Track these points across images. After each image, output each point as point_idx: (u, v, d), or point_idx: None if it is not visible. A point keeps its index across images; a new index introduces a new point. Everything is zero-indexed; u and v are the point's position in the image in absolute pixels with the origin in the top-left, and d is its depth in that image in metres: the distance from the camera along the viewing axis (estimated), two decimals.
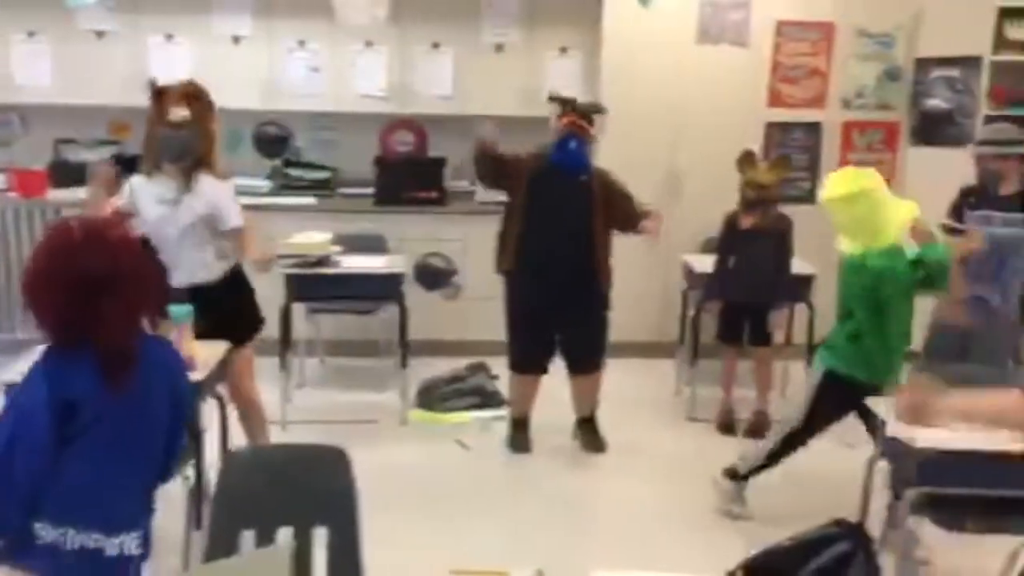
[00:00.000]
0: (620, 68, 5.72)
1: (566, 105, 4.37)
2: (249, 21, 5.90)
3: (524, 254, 4.37)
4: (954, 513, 2.98)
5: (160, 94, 3.61)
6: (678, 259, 5.49)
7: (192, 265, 3.64)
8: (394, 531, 3.70)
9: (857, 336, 3.61)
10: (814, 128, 5.86)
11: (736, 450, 4.62)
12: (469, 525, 3.82)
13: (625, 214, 4.40)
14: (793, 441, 3.84)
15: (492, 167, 4.36)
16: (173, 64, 5.84)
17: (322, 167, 6.15)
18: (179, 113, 3.56)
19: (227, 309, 3.64)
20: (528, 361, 4.53)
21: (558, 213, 4.31)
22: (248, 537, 2.36)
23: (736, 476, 3.96)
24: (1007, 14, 5.51)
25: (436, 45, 5.99)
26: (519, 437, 4.62)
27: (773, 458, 3.90)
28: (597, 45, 5.82)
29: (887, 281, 3.52)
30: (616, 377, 4.80)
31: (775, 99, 5.82)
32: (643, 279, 5.71)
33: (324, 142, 6.27)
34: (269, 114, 6.10)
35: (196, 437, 3.11)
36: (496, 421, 4.86)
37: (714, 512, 3.99)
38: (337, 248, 4.94)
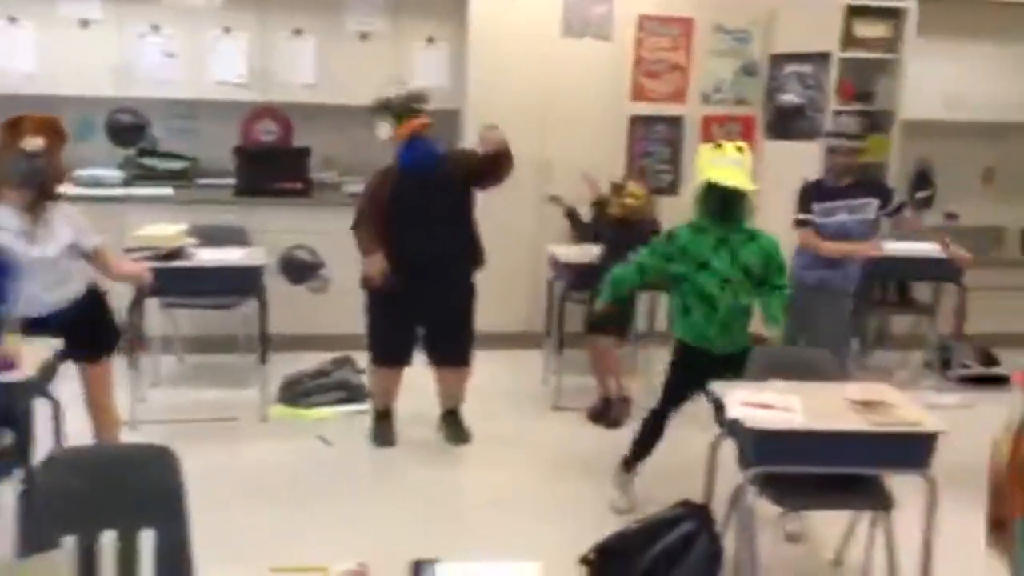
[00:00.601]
0: (487, 59, 5.72)
1: (389, 108, 4.28)
2: (98, 4, 5.62)
3: (389, 250, 4.31)
4: (793, 491, 3.09)
5: (15, 123, 3.49)
6: (545, 250, 5.53)
7: (60, 293, 3.57)
8: (250, 529, 3.61)
9: (686, 309, 3.76)
10: (676, 122, 5.99)
11: (602, 439, 4.70)
12: (328, 521, 3.74)
13: (480, 165, 4.32)
14: (654, 418, 3.93)
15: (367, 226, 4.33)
16: (15, 49, 5.53)
17: (179, 157, 5.93)
18: (34, 143, 3.46)
19: (83, 326, 3.60)
20: (390, 353, 4.47)
21: (422, 213, 4.27)
22: (69, 542, 2.24)
23: (625, 466, 4.02)
24: (855, 12, 5.76)
25: (298, 32, 5.85)
26: (382, 431, 4.57)
27: (641, 444, 3.97)
28: (464, 36, 5.80)
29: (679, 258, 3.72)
30: (484, 368, 4.80)
31: (638, 93, 5.93)
32: (510, 270, 5.73)
33: (182, 131, 6.04)
34: (122, 101, 5.82)
35: (23, 439, 2.94)
36: (361, 415, 4.78)
37: (575, 500, 4.04)
38: (193, 240, 4.77)
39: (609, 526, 3.45)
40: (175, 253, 4.61)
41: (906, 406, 3.15)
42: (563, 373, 5.15)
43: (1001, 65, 6.37)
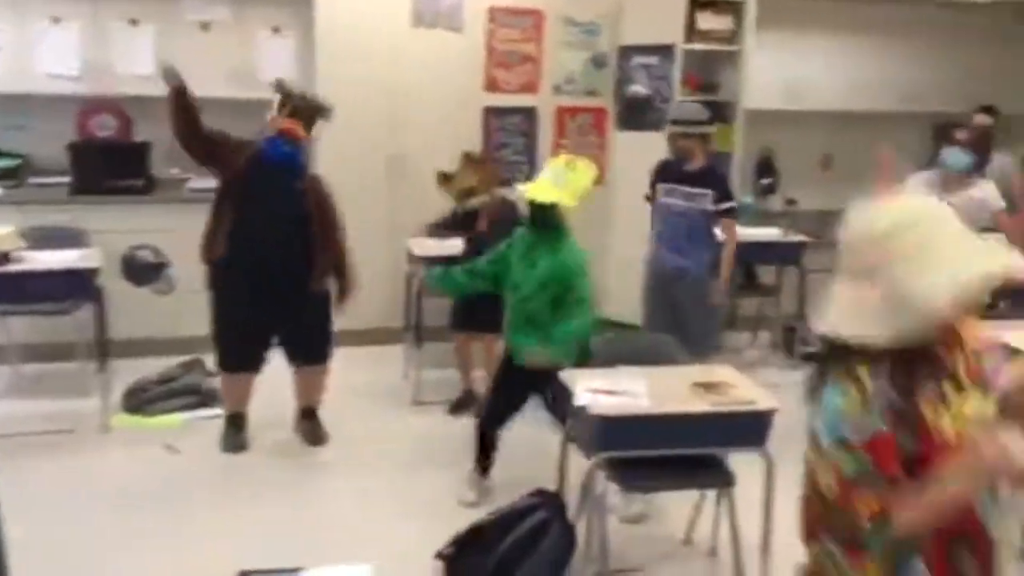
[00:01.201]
0: (335, 50, 5.59)
1: (288, 99, 4.15)
2: None
3: (237, 248, 4.14)
4: (639, 474, 3.15)
5: None
6: (403, 243, 5.46)
7: None
8: (88, 543, 3.42)
9: (510, 309, 3.86)
10: (529, 113, 6.03)
11: (465, 431, 4.68)
12: (173, 532, 3.59)
13: (324, 242, 4.23)
14: (481, 429, 3.97)
15: (193, 127, 4.05)
16: None
17: (8, 155, 5.56)
18: None
19: None
20: (236, 359, 4.32)
21: (272, 213, 4.13)
22: None
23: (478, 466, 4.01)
24: (697, 5, 5.94)
25: (134, 22, 5.57)
26: (233, 436, 4.41)
27: (480, 452, 3.99)
28: (310, 26, 5.65)
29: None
30: (343, 366, 4.70)
31: (491, 84, 5.93)
32: (367, 265, 5.62)
33: (11, 127, 5.64)
34: None
35: None
36: (213, 420, 4.61)
37: (435, 495, 4.01)
38: (23, 243, 4.49)
39: (468, 519, 3.44)
40: (4, 257, 4.33)
41: (744, 386, 3.26)
42: (424, 368, 5.12)
43: (837, 56, 6.70)
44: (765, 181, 6.55)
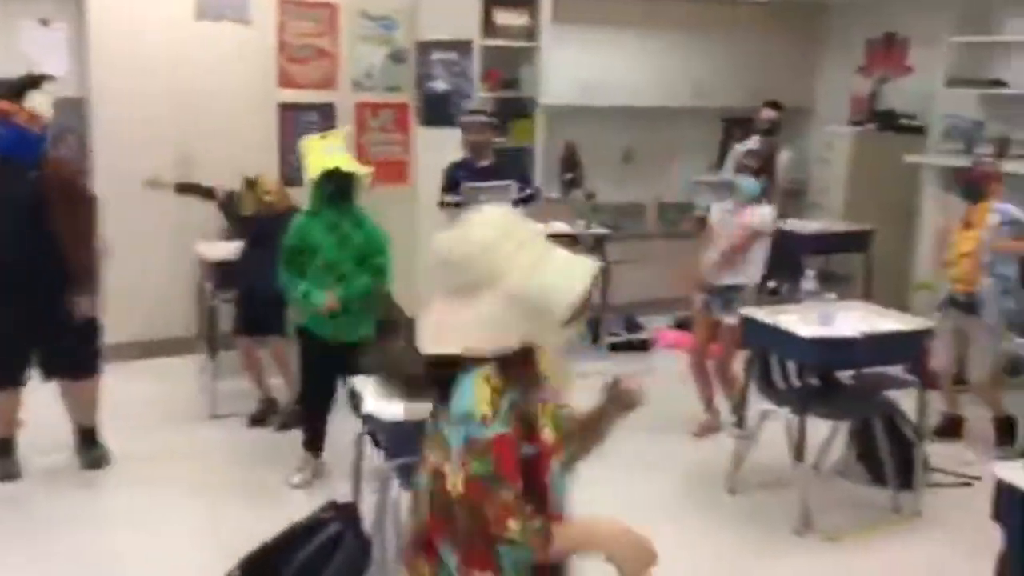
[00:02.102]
0: (111, 43, 5.23)
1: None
2: None
3: None
4: None
5: None
6: (191, 248, 5.16)
7: None
8: None
9: (306, 295, 3.84)
10: (327, 109, 5.85)
11: (264, 443, 4.50)
12: None
13: (72, 232, 3.78)
14: (304, 408, 4.04)
15: None
16: None
17: None
18: None
19: None
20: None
21: (4, 212, 3.75)
22: None
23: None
24: (494, 1, 5.95)
25: None
26: (2, 463, 4.02)
27: (305, 432, 4.03)
28: (83, 17, 5.25)
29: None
30: (130, 380, 4.41)
31: (285, 80, 5.71)
32: (155, 273, 5.33)
33: None
34: None
35: None
36: None
37: (230, 513, 3.80)
38: None
39: (265, 537, 3.27)
40: None
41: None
42: (221, 379, 4.85)
43: (633, 53, 6.89)
44: (568, 176, 6.66)
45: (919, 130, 6.49)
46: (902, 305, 5.89)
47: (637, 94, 6.87)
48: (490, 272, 1.56)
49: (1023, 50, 5.65)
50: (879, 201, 6.43)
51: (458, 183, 4.74)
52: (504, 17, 5.96)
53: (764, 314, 3.93)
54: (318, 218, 3.80)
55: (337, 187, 3.75)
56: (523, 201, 4.74)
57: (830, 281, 6.45)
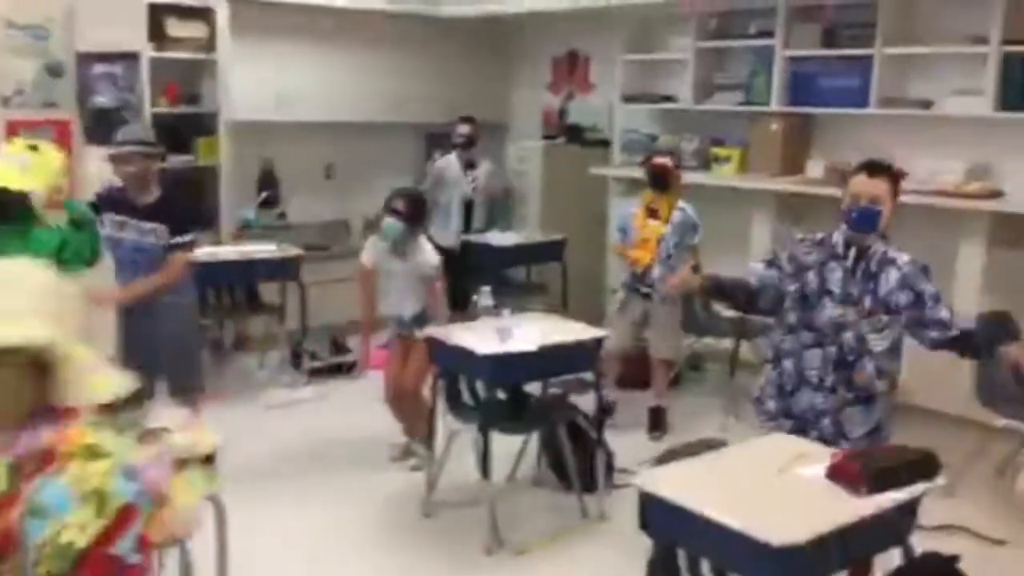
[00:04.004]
0: None
1: None
2: None
3: None
4: None
5: None
6: None
7: None
8: None
9: None
10: None
11: None
12: None
13: None
14: None
15: None
16: None
17: None
18: None
19: None
20: None
21: None
22: None
23: None
24: (163, 11, 5.53)
25: None
26: None
27: None
28: None
29: None
30: None
31: None
32: None
33: None
34: None
35: None
36: None
37: None
38: None
39: None
40: None
41: (189, 427, 2.98)
42: None
43: (330, 67, 6.71)
44: (265, 194, 6.37)
45: (605, 143, 6.84)
46: (598, 310, 6.19)
47: (336, 109, 6.70)
48: None
49: (685, 68, 6.07)
50: (572, 211, 6.69)
51: (104, 212, 4.03)
52: (178, 28, 5.56)
53: (444, 334, 3.89)
54: None
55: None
56: (177, 247, 4.02)
57: (531, 292, 6.65)
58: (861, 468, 2.41)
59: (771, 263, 3.15)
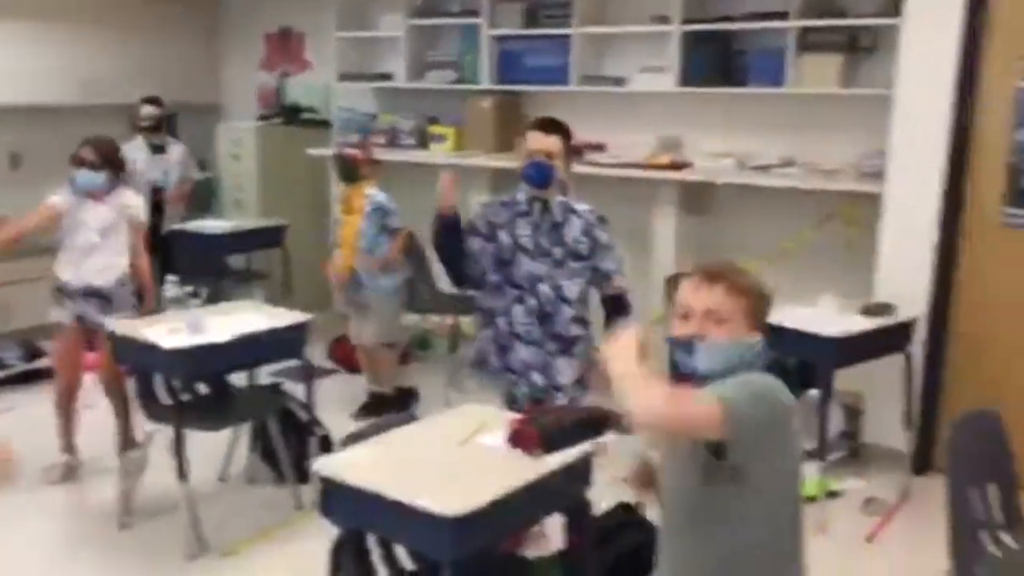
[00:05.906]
0: None
1: None
2: None
3: None
4: None
5: None
6: None
7: None
8: None
9: None
10: None
11: None
12: None
13: None
14: None
15: None
16: None
17: None
18: None
19: None
20: None
21: None
22: None
23: None
24: None
25: None
26: None
27: None
28: None
29: None
30: None
31: None
32: None
33: None
34: None
35: None
36: None
37: None
38: None
39: None
40: None
41: None
42: None
43: (6, 42, 6.03)
44: None
45: (326, 123, 6.63)
46: (323, 296, 6.01)
47: (16, 91, 6.04)
48: None
49: (399, 45, 6.00)
50: (293, 195, 6.46)
51: None
52: None
53: (128, 328, 3.58)
54: None
55: None
56: None
57: (251, 280, 6.35)
58: (536, 430, 2.45)
59: (470, 231, 3.19)
